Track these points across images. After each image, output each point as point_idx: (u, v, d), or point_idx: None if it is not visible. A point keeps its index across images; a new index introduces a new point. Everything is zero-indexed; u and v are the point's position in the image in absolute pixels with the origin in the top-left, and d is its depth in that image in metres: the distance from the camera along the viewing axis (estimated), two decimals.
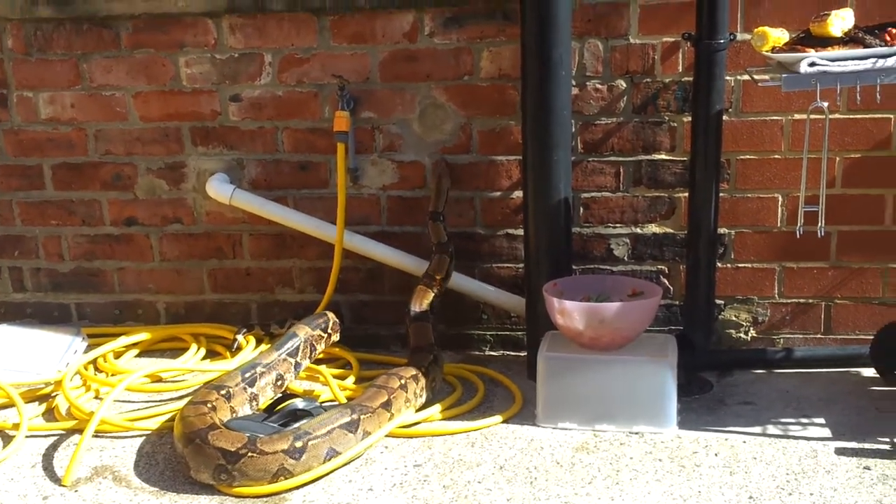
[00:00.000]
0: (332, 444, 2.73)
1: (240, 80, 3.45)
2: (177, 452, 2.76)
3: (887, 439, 2.76)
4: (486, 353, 3.53)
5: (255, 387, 3.03)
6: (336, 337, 3.38)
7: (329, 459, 2.71)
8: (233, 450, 2.63)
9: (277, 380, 3.10)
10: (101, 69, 3.50)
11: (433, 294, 3.30)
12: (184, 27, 3.42)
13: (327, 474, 2.70)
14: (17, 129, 3.59)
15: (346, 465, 2.74)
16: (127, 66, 3.49)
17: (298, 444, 2.66)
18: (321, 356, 3.36)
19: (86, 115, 3.55)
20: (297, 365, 3.19)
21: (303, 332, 3.23)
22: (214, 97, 3.48)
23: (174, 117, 3.52)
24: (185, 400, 2.99)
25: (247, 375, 3.02)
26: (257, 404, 3.02)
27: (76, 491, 2.68)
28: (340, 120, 3.36)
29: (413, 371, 3.03)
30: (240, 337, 3.48)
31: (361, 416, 2.81)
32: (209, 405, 2.84)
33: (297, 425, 2.77)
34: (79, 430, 2.95)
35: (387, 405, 2.89)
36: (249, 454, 2.62)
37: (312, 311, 3.45)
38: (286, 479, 2.64)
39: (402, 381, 2.97)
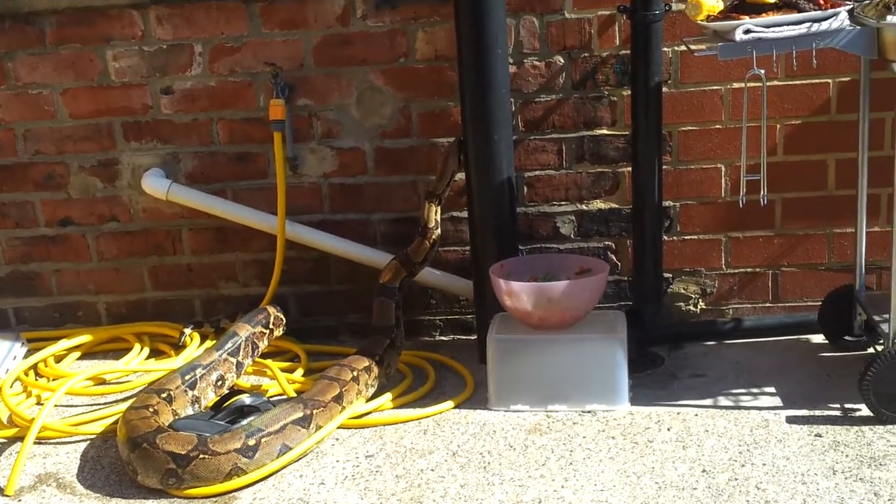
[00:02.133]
0: (285, 440, 2.68)
1: (170, 71, 3.37)
2: (122, 458, 2.70)
3: (838, 405, 2.78)
4: (437, 338, 3.50)
5: (197, 389, 2.96)
6: (279, 332, 3.32)
7: (282, 455, 2.66)
8: (183, 453, 2.57)
9: (218, 381, 3.04)
10: (26, 67, 3.41)
11: (405, 274, 3.21)
12: (109, 20, 3.33)
13: (279, 470, 2.65)
14: None
15: (297, 459, 2.70)
16: (53, 63, 3.40)
17: (251, 441, 2.62)
18: (269, 349, 3.30)
19: (13, 114, 3.46)
20: (239, 364, 3.12)
21: (243, 330, 3.16)
22: (145, 90, 3.40)
23: (104, 113, 3.43)
24: (131, 401, 2.92)
25: (187, 378, 2.96)
26: (199, 406, 2.96)
27: (19, 500, 2.62)
28: (276, 108, 3.30)
29: (366, 362, 2.98)
30: (187, 331, 3.41)
31: (314, 411, 2.77)
32: (151, 409, 2.77)
33: (246, 422, 2.72)
34: (20, 438, 2.87)
35: (338, 398, 2.85)
36: (201, 456, 2.57)
37: (258, 305, 3.39)
38: (239, 477, 2.59)
39: (355, 374, 2.93)
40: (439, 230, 3.22)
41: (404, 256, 3.22)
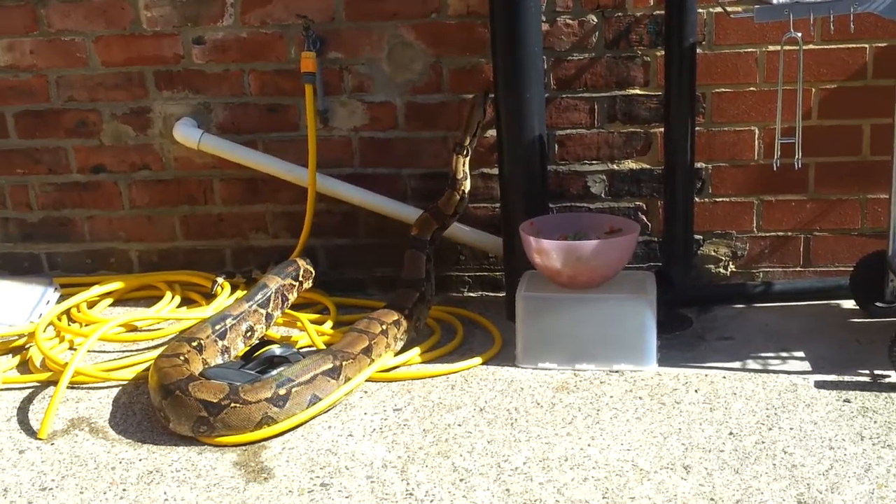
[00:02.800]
0: (315, 390, 2.70)
1: (202, 22, 3.37)
2: (153, 405, 2.73)
3: (867, 371, 2.77)
4: (465, 294, 3.51)
5: (227, 339, 2.98)
6: (308, 284, 3.34)
7: (311, 406, 2.69)
8: (215, 401, 2.59)
9: (247, 331, 3.05)
10: (58, 14, 3.42)
11: (436, 227, 3.20)
12: None
13: (308, 420, 2.68)
14: None
15: (327, 410, 2.73)
16: (85, 10, 3.40)
17: (282, 391, 2.64)
18: (298, 301, 3.33)
19: (46, 61, 3.47)
20: (269, 316, 3.14)
21: (273, 282, 3.18)
22: (177, 40, 3.40)
23: (136, 61, 3.44)
24: (162, 349, 2.95)
25: (217, 327, 2.97)
26: (229, 356, 2.98)
27: (52, 444, 2.65)
28: (307, 61, 3.30)
29: (395, 316, 2.99)
30: (219, 280, 3.44)
31: (343, 363, 2.78)
32: (182, 357, 2.79)
33: (276, 371, 2.75)
34: (54, 382, 2.91)
35: (367, 351, 2.87)
36: (232, 404, 2.59)
37: (287, 256, 3.42)
38: (269, 426, 2.62)
39: (384, 327, 2.94)
40: (468, 182, 3.20)
41: (435, 209, 3.21)
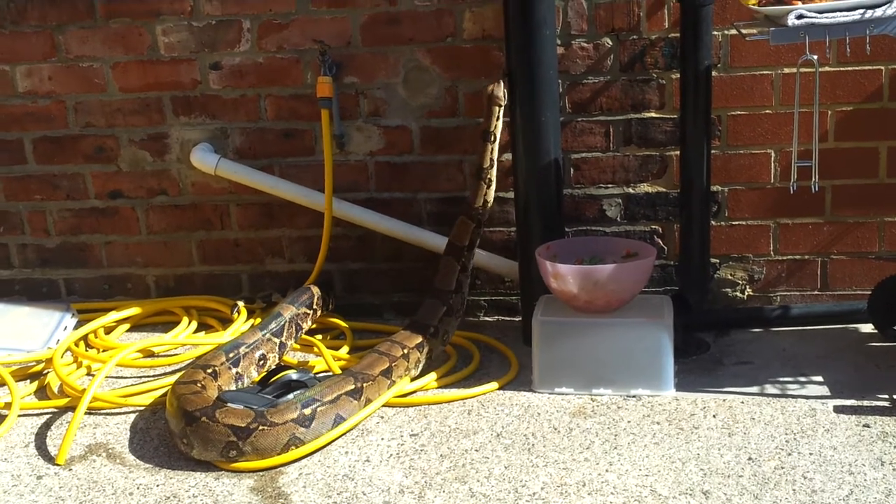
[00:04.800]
0: (339, 410, 2.72)
1: (219, 47, 3.39)
2: (173, 431, 2.72)
3: (886, 396, 2.76)
4: (481, 318, 3.51)
5: (240, 366, 2.99)
6: (320, 311, 3.35)
7: (337, 426, 2.71)
8: (243, 425, 2.59)
9: (261, 359, 3.06)
10: (76, 40, 3.44)
11: (472, 226, 3.13)
12: None
13: (336, 439, 2.69)
14: None
15: (350, 430, 2.74)
16: (103, 37, 3.43)
17: (307, 411, 2.65)
18: (314, 326, 3.33)
19: (64, 87, 3.50)
20: (282, 345, 3.14)
21: (288, 311, 3.18)
22: (194, 66, 3.42)
23: (154, 87, 3.46)
24: (178, 376, 2.95)
25: (230, 355, 2.98)
26: (242, 384, 2.98)
27: (70, 469, 2.66)
28: (323, 86, 3.31)
29: (418, 339, 2.98)
30: (240, 304, 3.45)
31: (364, 385, 2.79)
32: (199, 384, 2.80)
33: (292, 395, 2.75)
34: (71, 408, 2.92)
35: (387, 373, 2.87)
36: (260, 427, 2.59)
37: (304, 281, 3.42)
38: (297, 447, 2.63)
39: (405, 351, 2.94)
40: (495, 171, 3.11)
41: (466, 207, 3.14)
